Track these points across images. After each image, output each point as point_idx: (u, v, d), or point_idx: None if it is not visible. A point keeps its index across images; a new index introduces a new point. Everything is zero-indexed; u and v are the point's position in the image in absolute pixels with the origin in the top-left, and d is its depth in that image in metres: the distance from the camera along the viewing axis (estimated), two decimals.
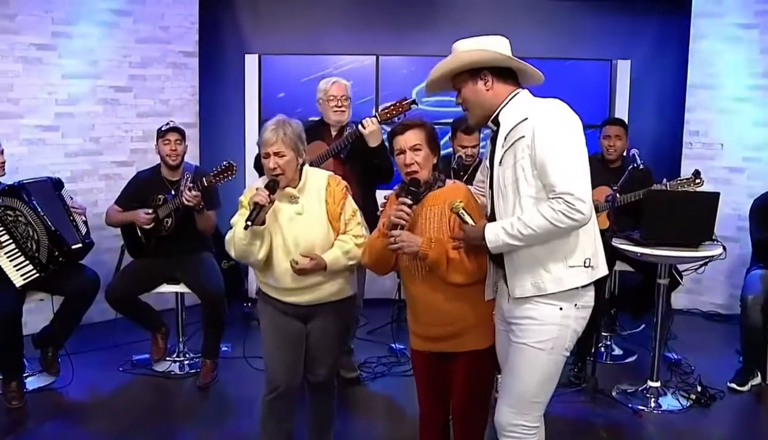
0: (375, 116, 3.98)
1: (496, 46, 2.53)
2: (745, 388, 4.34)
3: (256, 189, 2.91)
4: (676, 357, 4.73)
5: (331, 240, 3.02)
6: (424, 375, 2.93)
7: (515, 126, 2.45)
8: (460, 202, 2.61)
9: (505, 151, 2.47)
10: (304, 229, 2.98)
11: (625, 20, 6.28)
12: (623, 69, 6.07)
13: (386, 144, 4.05)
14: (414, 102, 3.94)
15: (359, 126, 3.97)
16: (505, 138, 2.48)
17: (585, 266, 2.46)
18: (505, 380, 2.61)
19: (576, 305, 2.48)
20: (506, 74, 2.55)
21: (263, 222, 2.90)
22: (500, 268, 2.59)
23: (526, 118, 2.42)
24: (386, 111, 3.98)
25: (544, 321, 2.47)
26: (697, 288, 5.82)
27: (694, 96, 5.97)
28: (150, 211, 4.40)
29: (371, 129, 3.93)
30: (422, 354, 2.88)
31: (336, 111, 4.14)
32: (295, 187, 3.00)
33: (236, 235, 2.93)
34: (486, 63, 2.51)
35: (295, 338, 3.11)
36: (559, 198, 2.31)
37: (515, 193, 2.44)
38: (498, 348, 2.73)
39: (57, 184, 4.46)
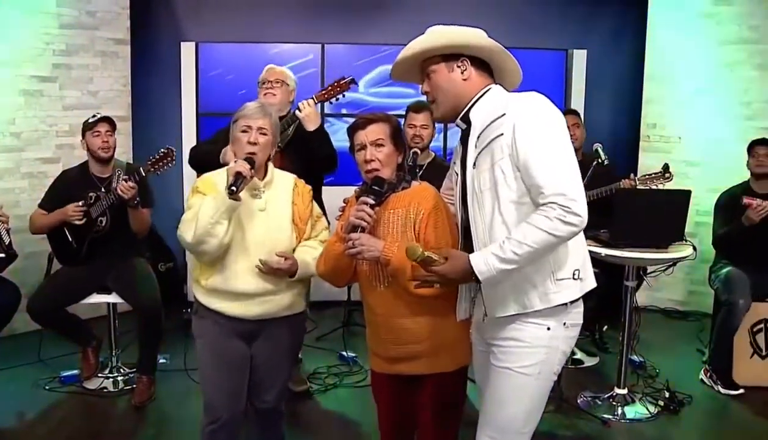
0: (312, 98, 3.73)
1: (477, 36, 2.28)
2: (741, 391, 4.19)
3: (234, 161, 2.64)
4: (639, 359, 4.56)
5: (293, 244, 2.76)
6: (385, 400, 2.65)
7: (490, 123, 2.17)
8: (418, 246, 2.19)
9: (480, 152, 2.19)
10: (267, 228, 2.71)
11: (581, 9, 6.14)
12: (579, 59, 5.93)
13: (326, 128, 3.89)
14: (353, 80, 3.74)
15: (295, 110, 3.73)
16: (479, 137, 2.21)
17: (574, 278, 2.19)
18: (485, 408, 2.31)
19: (565, 324, 2.21)
20: (483, 67, 2.31)
21: (239, 199, 2.60)
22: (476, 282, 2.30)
23: (504, 114, 2.15)
24: (324, 92, 3.76)
25: (531, 344, 2.19)
26: (655, 284, 5.66)
27: (652, 88, 5.86)
28: (80, 203, 4.00)
29: (307, 111, 3.69)
30: (383, 377, 2.60)
31: (266, 94, 3.85)
32: (260, 180, 2.74)
33: (202, 211, 2.57)
34: (468, 48, 2.26)
35: (238, 362, 2.77)
36: (552, 203, 2.01)
37: (494, 197, 2.16)
38: (476, 370, 2.46)
39: None
